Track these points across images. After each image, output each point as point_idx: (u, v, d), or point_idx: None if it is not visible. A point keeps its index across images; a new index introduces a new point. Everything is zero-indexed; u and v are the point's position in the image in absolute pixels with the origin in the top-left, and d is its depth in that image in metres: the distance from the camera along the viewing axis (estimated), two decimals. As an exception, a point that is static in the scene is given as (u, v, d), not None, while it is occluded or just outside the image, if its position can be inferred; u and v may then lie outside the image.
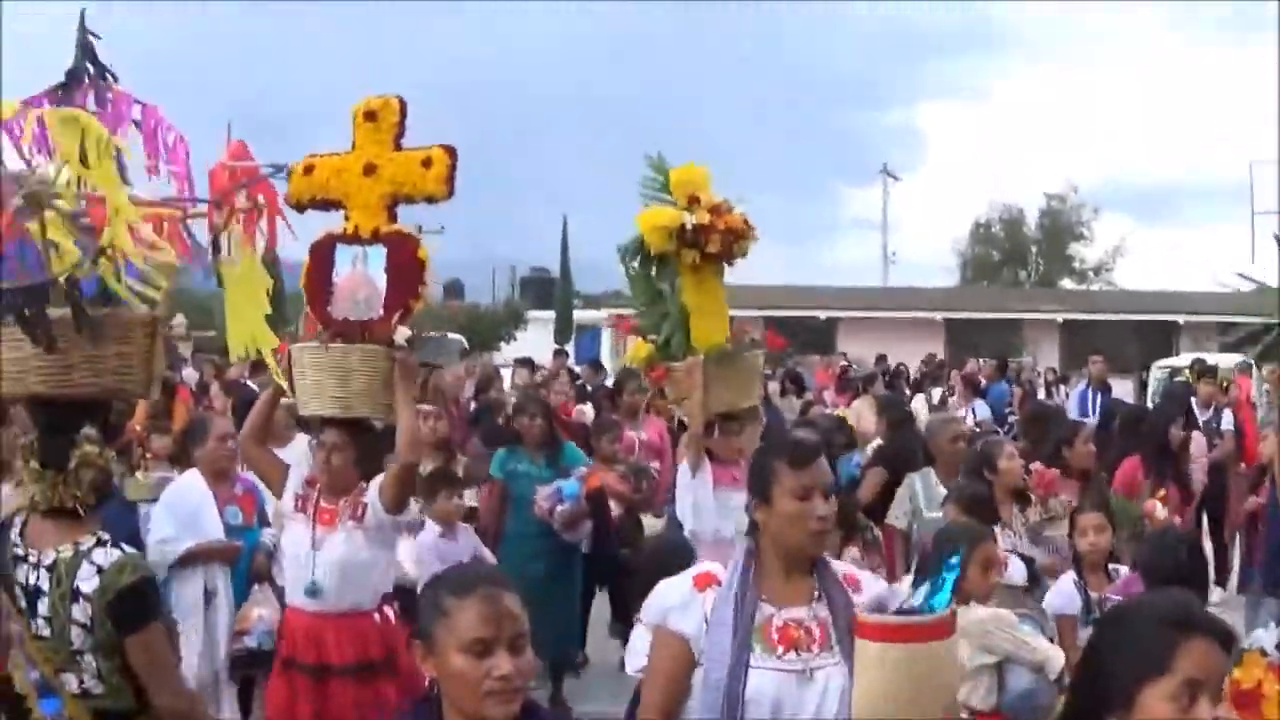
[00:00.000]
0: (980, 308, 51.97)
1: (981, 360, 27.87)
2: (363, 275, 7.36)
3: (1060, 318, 49.06)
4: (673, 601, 4.65)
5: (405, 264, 7.39)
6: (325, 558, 7.43)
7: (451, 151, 7.35)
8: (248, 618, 8.55)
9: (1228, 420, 16.67)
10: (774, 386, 20.71)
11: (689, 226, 9.00)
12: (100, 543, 5.26)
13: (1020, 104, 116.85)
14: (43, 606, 5.18)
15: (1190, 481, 12.29)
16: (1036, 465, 9.47)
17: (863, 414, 17.08)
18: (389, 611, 7.67)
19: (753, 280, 60.38)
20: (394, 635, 7.53)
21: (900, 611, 4.45)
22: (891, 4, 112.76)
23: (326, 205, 7.52)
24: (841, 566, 4.95)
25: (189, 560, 8.54)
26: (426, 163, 7.34)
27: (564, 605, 10.94)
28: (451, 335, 35.77)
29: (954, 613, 4.46)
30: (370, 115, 7.51)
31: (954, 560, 4.67)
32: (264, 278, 6.93)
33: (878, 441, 12.83)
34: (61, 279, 5.29)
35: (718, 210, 9.11)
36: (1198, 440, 14.00)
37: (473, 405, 17.20)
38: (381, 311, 7.30)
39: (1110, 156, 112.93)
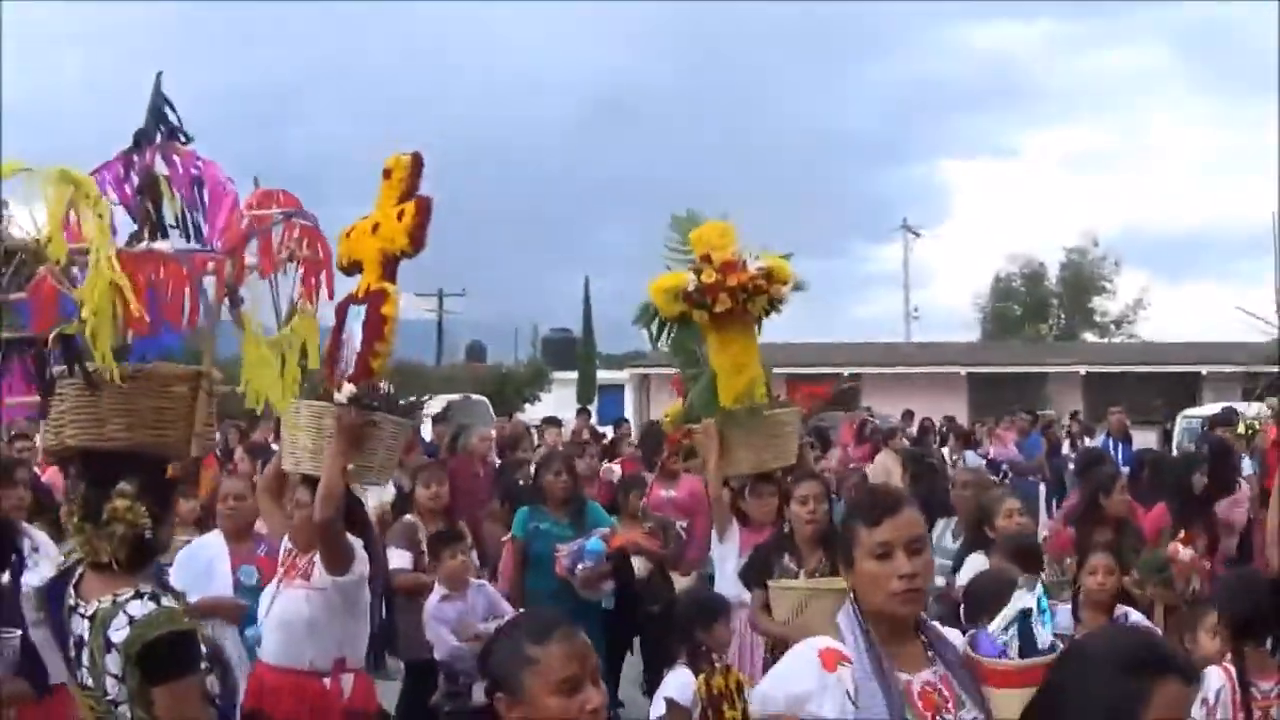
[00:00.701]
0: (1003, 361, 51.99)
1: (1013, 416, 27.88)
2: (352, 334, 7.45)
3: (1083, 370, 48.98)
4: (807, 686, 4.26)
5: (371, 320, 7.39)
6: (273, 611, 7.66)
7: (425, 203, 7.38)
8: None
9: (1248, 467, 16.61)
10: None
11: (693, 287, 8.99)
12: (138, 595, 5.19)
13: (1040, 159, 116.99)
14: (85, 657, 5.17)
15: (1217, 527, 12.23)
16: (1053, 525, 9.43)
17: (888, 468, 17.11)
18: (347, 681, 7.70)
19: (775, 338, 60.33)
20: (334, 703, 7.60)
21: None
22: (908, 63, 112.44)
23: (357, 268, 7.57)
24: (933, 624, 4.70)
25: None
26: (401, 215, 7.38)
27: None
28: (475, 396, 35.83)
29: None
30: (386, 173, 7.57)
31: (1040, 593, 4.44)
32: (314, 332, 6.91)
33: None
34: (50, 337, 5.27)
35: (728, 268, 9.02)
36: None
37: (498, 464, 17.26)
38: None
39: (1129, 210, 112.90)
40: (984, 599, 6.11)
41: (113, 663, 5.12)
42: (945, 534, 10.34)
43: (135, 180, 5.69)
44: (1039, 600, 4.39)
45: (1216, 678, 6.62)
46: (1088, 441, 25.67)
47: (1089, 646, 3.87)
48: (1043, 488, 23.47)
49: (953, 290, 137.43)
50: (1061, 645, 4.22)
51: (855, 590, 4.43)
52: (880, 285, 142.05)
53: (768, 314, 9.47)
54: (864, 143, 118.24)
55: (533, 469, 13.29)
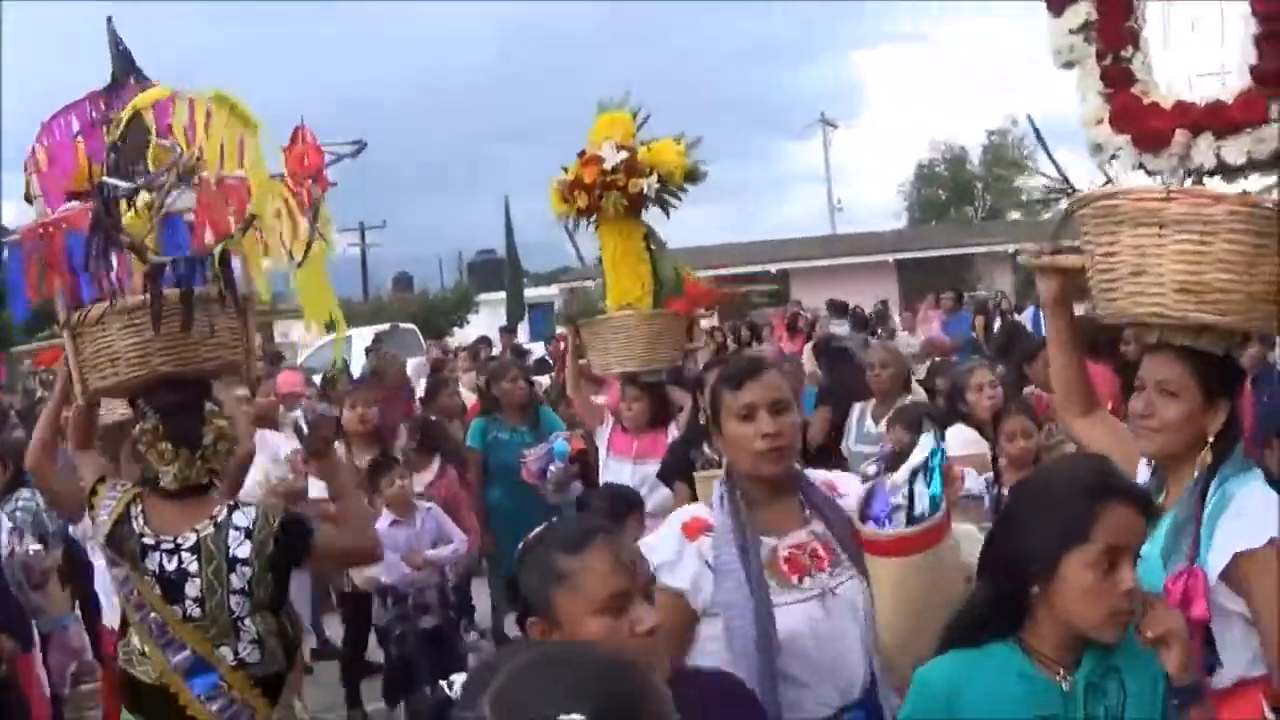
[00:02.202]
0: (930, 246, 51.98)
1: (939, 296, 27.87)
2: None
3: (1011, 248, 49.01)
4: (664, 556, 4.32)
5: None
6: None
7: None
8: None
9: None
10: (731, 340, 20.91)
11: (567, 184, 8.75)
12: (231, 509, 5.49)
13: (956, 45, 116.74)
14: (192, 588, 5.33)
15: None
16: (1033, 390, 9.29)
17: (808, 361, 17.06)
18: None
19: (701, 241, 60.29)
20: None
21: (889, 515, 4.28)
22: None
23: None
24: (819, 474, 4.76)
25: None
26: None
27: None
28: (403, 325, 35.70)
29: (951, 505, 4.35)
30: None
31: (935, 446, 4.37)
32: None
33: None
34: (216, 254, 5.36)
35: (589, 162, 8.75)
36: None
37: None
38: None
39: (1051, 92, 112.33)
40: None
41: (237, 579, 5.35)
42: (865, 418, 10.14)
43: (107, 122, 5.58)
44: (933, 454, 4.31)
45: None
46: (1017, 317, 25.56)
47: (1047, 474, 3.98)
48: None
49: (877, 182, 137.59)
50: (939, 513, 4.22)
51: (726, 454, 4.50)
52: (804, 182, 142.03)
53: (644, 209, 9.11)
54: (775, 44, 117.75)
55: (483, 380, 13.14)
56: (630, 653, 2.94)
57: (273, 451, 10.07)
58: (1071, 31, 4.65)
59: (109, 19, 5.71)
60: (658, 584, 3.93)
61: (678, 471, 8.63)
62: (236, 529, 5.40)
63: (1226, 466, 4.35)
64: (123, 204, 5.36)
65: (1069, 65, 4.74)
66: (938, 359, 17.74)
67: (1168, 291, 4.24)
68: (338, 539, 5.76)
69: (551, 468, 10.22)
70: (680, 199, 9.16)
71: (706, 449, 8.39)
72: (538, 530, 3.52)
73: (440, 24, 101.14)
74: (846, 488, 4.62)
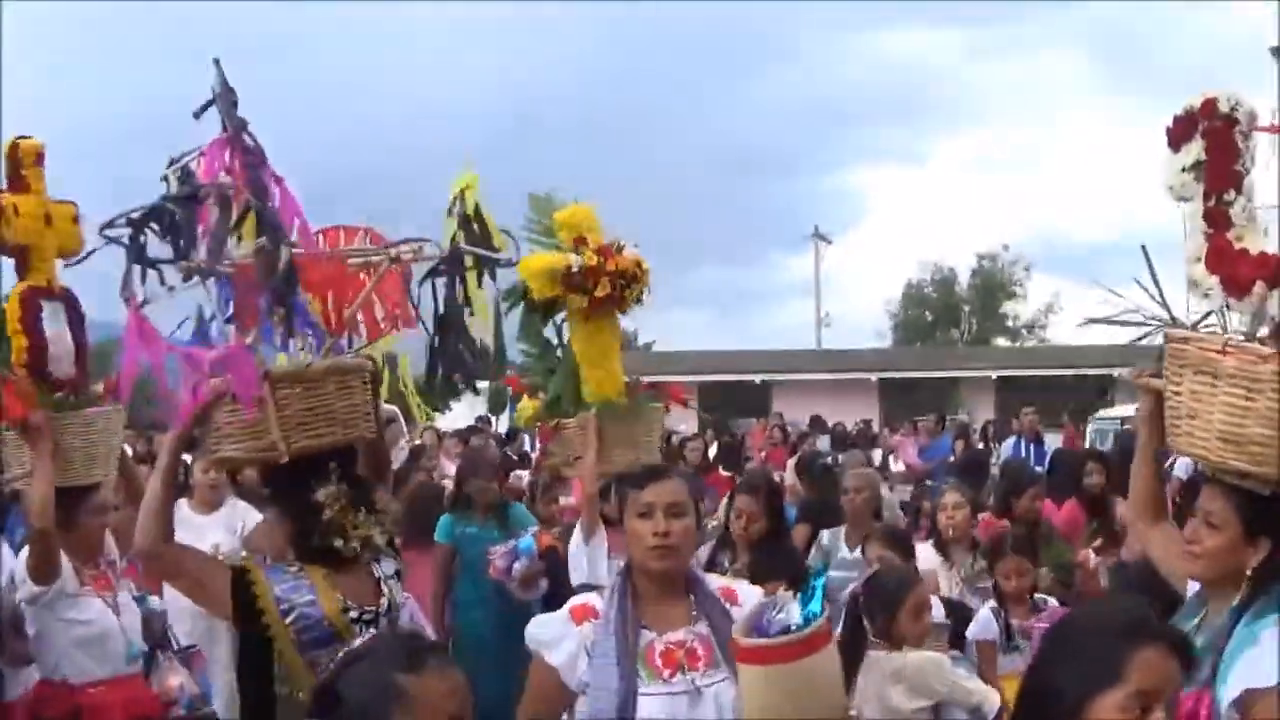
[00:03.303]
0: (914, 367, 52.05)
1: (917, 420, 27.92)
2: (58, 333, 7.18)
3: (994, 374, 49.13)
4: (547, 635, 4.85)
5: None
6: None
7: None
8: (168, 687, 8.08)
9: (1182, 466, 16.53)
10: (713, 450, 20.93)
11: (575, 269, 8.51)
12: (376, 562, 5.55)
13: (951, 166, 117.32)
14: None
15: (1114, 524, 12.14)
16: (985, 515, 9.30)
17: (789, 474, 16.96)
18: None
19: (687, 346, 60.33)
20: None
21: (776, 630, 4.50)
22: (816, 71, 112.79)
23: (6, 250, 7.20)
24: (718, 581, 5.11)
25: None
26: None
27: (521, 667, 10.40)
28: (387, 407, 35.45)
29: (829, 621, 4.55)
30: (40, 158, 7.19)
31: (819, 572, 5.19)
32: None
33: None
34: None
35: (606, 251, 8.56)
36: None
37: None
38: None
39: (1041, 217, 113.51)
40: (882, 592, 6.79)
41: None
42: (838, 543, 9.97)
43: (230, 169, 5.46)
44: (816, 575, 4.93)
45: None
46: (1000, 445, 25.59)
47: (1079, 616, 4.13)
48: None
49: (865, 298, 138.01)
50: (810, 629, 4.41)
51: (627, 548, 4.90)
52: (793, 294, 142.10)
53: (635, 305, 8.95)
54: (775, 152, 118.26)
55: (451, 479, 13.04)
56: None
57: (233, 525, 9.99)
58: (1184, 169, 4.77)
59: (216, 61, 5.52)
60: (540, 656, 4.82)
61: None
62: (392, 578, 5.53)
63: (1261, 602, 4.54)
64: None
65: (1181, 200, 4.87)
66: (923, 483, 17.73)
67: (1213, 438, 4.51)
68: None
69: (517, 565, 10.03)
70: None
71: (723, 557, 8.80)
72: (365, 642, 3.56)
73: (433, 111, 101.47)
74: (745, 598, 4.93)
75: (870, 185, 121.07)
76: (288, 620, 5.18)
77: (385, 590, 5.44)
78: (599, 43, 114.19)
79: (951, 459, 23.11)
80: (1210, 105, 4.72)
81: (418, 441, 21.20)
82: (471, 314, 5.87)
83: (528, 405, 9.19)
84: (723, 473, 18.96)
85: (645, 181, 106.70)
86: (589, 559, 9.01)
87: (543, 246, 8.69)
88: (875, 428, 32.92)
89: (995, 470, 16.32)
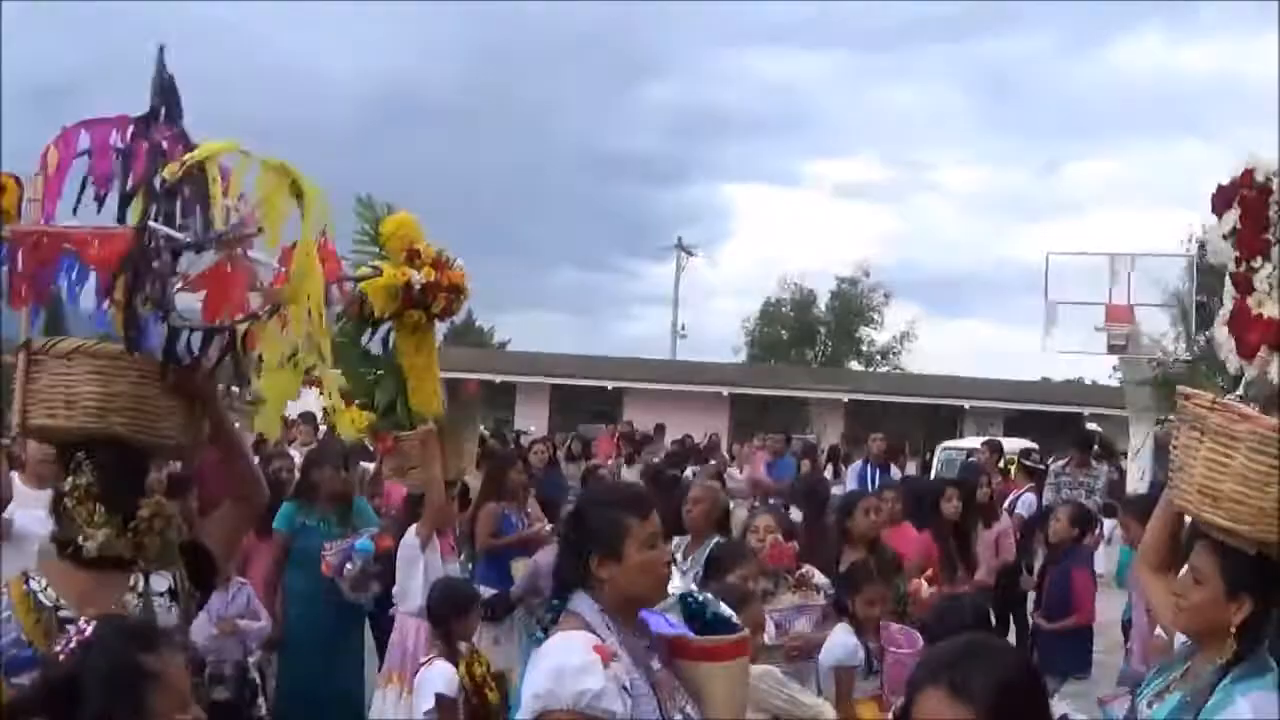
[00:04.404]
0: (766, 384, 52.31)
1: (766, 437, 27.97)
2: None
3: (846, 398, 49.49)
4: (596, 684, 4.33)
5: None
6: None
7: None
8: None
9: (1023, 504, 16.68)
10: (560, 453, 20.98)
11: (417, 286, 8.45)
12: (147, 575, 5.02)
13: (819, 188, 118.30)
14: None
15: (972, 554, 12.26)
16: (773, 538, 9.23)
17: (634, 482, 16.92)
18: None
19: (541, 348, 60.21)
20: None
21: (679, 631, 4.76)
22: (690, 86, 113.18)
23: None
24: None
25: None
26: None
27: (350, 666, 10.35)
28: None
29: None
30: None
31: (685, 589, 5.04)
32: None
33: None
34: (238, 328, 5.05)
35: (439, 265, 8.62)
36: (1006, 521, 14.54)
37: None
38: None
39: (904, 245, 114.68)
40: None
41: None
42: (675, 555, 9.88)
43: (125, 151, 5.21)
44: (688, 580, 5.23)
45: None
46: (845, 469, 25.71)
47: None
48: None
49: (725, 314, 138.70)
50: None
51: (616, 582, 4.59)
52: (651, 304, 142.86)
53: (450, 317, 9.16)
54: (645, 162, 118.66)
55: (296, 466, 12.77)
56: None
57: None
58: (1224, 236, 4.88)
59: (160, 48, 5.29)
60: (594, 712, 4.29)
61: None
62: (159, 594, 4.99)
63: (1245, 665, 4.62)
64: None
65: (1222, 264, 4.96)
66: (761, 499, 17.72)
67: (1193, 491, 4.65)
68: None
69: (349, 565, 9.91)
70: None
71: None
72: (91, 631, 3.53)
73: (307, 88, 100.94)
74: (653, 621, 4.81)
75: (739, 202, 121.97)
76: None
77: (132, 602, 4.94)
78: (473, 35, 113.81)
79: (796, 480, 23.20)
80: (1249, 175, 4.81)
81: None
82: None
83: (358, 416, 9.04)
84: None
85: (512, 178, 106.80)
86: (427, 566, 9.06)
87: (367, 255, 8.63)
88: (724, 442, 32.94)
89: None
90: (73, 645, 3.45)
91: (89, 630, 3.50)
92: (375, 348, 9.15)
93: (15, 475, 9.68)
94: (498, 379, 45.50)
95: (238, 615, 9.44)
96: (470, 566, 10.41)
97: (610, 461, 24.03)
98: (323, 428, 20.75)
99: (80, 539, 4.87)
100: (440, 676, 7.64)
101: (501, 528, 12.35)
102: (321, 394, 6.53)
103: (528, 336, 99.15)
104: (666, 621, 4.76)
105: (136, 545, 4.93)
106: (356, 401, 9.05)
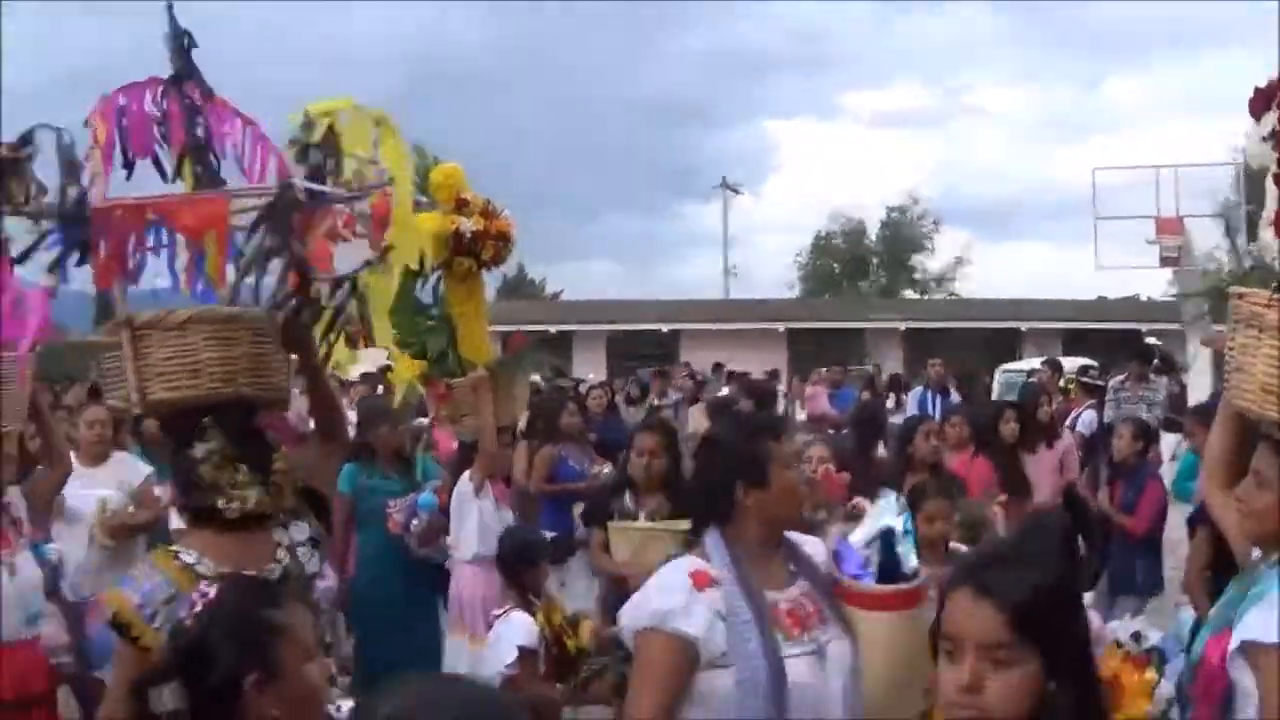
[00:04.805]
0: (822, 318, 52.14)
1: (821, 371, 27.96)
2: None
3: (902, 326, 49.27)
4: (673, 603, 4.38)
5: None
6: None
7: None
8: None
9: (1084, 422, 16.61)
10: (619, 397, 21.09)
11: (466, 233, 8.48)
12: (285, 527, 5.14)
13: (861, 120, 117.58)
14: None
15: (1025, 476, 12.18)
16: (825, 468, 9.25)
17: (699, 421, 16.97)
18: None
19: (595, 296, 60.14)
20: None
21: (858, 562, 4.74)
22: (722, 29, 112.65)
23: None
24: (792, 535, 4.87)
25: None
26: None
27: (425, 624, 10.31)
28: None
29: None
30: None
31: (904, 513, 4.91)
32: None
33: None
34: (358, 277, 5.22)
35: (488, 214, 8.67)
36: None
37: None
38: None
39: (951, 171, 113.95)
40: None
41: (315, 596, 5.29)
42: None
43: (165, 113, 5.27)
44: (904, 521, 4.79)
45: None
46: (905, 396, 25.68)
47: None
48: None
49: (776, 250, 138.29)
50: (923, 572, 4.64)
51: (763, 508, 4.53)
52: (702, 245, 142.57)
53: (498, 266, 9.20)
54: (685, 104, 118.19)
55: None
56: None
57: (120, 479, 9.71)
58: (1263, 139, 4.77)
59: (169, 7, 5.29)
60: (665, 629, 4.33)
61: (597, 516, 9.05)
62: (301, 544, 5.10)
63: None
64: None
65: (1263, 169, 4.85)
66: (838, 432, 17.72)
67: (1256, 389, 4.52)
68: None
69: (414, 521, 9.94)
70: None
71: (627, 499, 8.78)
72: (213, 596, 3.62)
73: (347, 49, 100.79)
74: (813, 549, 4.80)
75: (781, 138, 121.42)
76: (156, 625, 4.66)
77: (283, 556, 5.01)
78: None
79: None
80: None
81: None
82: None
83: (408, 365, 9.10)
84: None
85: (554, 131, 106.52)
86: (481, 513, 9.15)
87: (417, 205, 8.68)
88: (783, 377, 32.88)
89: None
90: (199, 609, 3.54)
91: (213, 592, 3.60)
92: (426, 297, 9.19)
93: (73, 455, 9.80)
94: (553, 329, 45.53)
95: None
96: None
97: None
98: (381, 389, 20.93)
99: (222, 503, 4.89)
100: (520, 628, 7.59)
101: (558, 471, 12.48)
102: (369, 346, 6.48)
103: (581, 286, 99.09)
104: (855, 560, 4.76)
105: (276, 499, 5.01)
106: (408, 351, 9.13)
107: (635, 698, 4.46)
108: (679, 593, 4.40)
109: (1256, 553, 4.81)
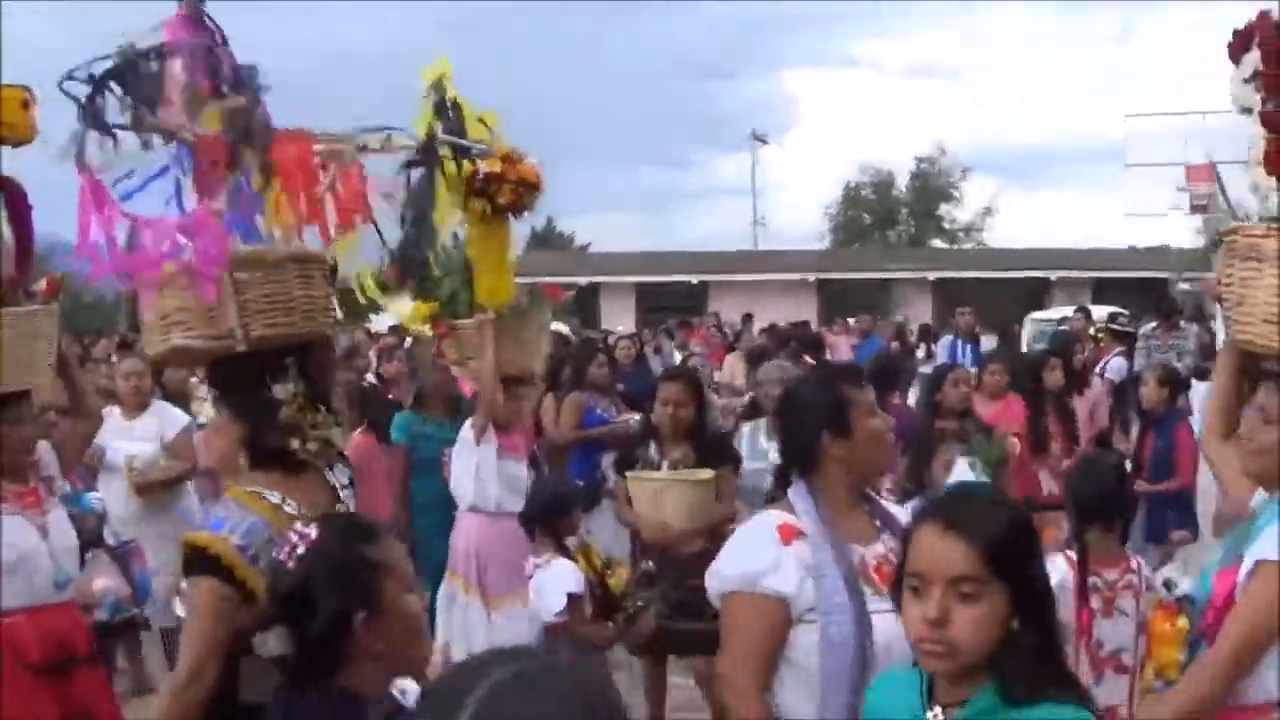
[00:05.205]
0: (851, 268, 52.04)
1: (846, 320, 27.98)
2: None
3: (932, 276, 49.16)
4: (763, 562, 4.32)
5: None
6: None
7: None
8: (90, 590, 7.53)
9: (1113, 369, 16.59)
10: (649, 349, 21.08)
11: (480, 175, 8.47)
12: (330, 467, 5.11)
13: (888, 68, 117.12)
14: None
15: (1074, 422, 12.18)
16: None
17: (734, 369, 17.00)
18: None
19: (622, 247, 60.04)
20: None
21: None
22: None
23: None
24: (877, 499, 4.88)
25: None
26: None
27: None
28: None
29: None
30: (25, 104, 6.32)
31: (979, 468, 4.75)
32: None
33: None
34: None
35: (510, 159, 8.54)
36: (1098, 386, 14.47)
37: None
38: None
39: (979, 120, 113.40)
40: None
41: None
42: (758, 435, 9.96)
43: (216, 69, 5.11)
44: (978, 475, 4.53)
45: (1058, 568, 6.42)
46: (935, 345, 25.69)
47: None
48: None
49: (803, 202, 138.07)
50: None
51: (849, 458, 4.49)
52: (729, 196, 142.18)
53: (525, 212, 9.07)
54: (709, 56, 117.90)
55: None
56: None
57: (161, 429, 9.81)
58: (1245, 80, 4.82)
59: None
60: (757, 589, 4.27)
61: (622, 466, 8.98)
62: (344, 487, 5.08)
63: None
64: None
65: (1245, 111, 4.89)
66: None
67: (1257, 321, 4.55)
68: None
69: None
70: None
71: (651, 449, 8.73)
72: (310, 538, 3.63)
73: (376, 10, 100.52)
74: (892, 505, 4.84)
75: (805, 88, 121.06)
76: (259, 567, 4.52)
77: (345, 497, 5.01)
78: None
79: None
80: (1264, 19, 4.78)
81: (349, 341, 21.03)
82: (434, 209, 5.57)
83: (421, 306, 9.15)
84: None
85: (580, 84, 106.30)
86: (480, 460, 9.22)
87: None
88: (814, 328, 32.89)
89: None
90: (300, 551, 3.58)
91: (312, 533, 3.63)
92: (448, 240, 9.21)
93: (114, 408, 9.86)
94: (582, 281, 45.52)
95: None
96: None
97: (704, 352, 24.08)
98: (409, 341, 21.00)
99: (296, 444, 4.86)
100: (566, 575, 7.62)
101: (586, 419, 12.56)
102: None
103: (609, 238, 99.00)
104: None
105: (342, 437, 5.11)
106: (424, 292, 9.10)
107: (731, 662, 4.42)
108: (767, 549, 4.35)
109: (1258, 498, 4.83)
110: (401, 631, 3.54)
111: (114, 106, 4.83)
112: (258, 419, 4.90)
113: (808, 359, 14.55)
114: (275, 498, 4.73)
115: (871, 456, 4.56)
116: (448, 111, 5.27)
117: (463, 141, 5.14)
